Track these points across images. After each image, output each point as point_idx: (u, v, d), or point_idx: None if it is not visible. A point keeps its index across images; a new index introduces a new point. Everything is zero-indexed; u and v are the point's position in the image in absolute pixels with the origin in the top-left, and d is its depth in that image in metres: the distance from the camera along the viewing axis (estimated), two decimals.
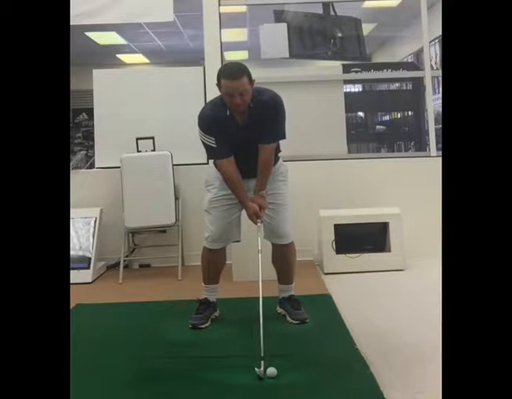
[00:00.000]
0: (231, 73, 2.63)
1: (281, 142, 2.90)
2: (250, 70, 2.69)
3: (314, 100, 4.69)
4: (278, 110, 2.75)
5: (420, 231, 4.15)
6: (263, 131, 2.73)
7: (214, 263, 2.97)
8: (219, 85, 2.68)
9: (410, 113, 6.25)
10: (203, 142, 2.78)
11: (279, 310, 3.02)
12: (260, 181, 2.79)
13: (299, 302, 2.97)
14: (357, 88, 6.72)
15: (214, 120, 2.74)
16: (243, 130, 2.74)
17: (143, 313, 3.20)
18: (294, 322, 2.89)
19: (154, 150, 4.29)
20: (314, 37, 5.01)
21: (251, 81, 2.66)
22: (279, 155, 2.94)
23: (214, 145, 2.74)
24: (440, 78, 5.12)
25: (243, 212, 2.86)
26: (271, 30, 4.87)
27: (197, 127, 2.78)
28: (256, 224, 2.77)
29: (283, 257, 2.97)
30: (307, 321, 2.87)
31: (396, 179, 4.39)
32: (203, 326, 2.87)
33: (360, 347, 2.50)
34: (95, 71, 4.72)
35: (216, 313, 3.00)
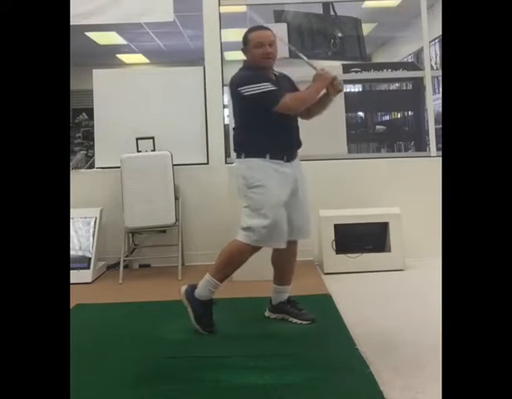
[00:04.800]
0: (261, 27, 2.81)
1: None
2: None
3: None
4: None
5: (420, 231, 4.16)
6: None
7: (244, 261, 2.78)
8: (245, 45, 2.75)
9: (410, 113, 6.26)
10: (252, 97, 2.63)
11: (273, 316, 2.93)
12: None
13: (297, 301, 2.93)
14: (357, 88, 6.73)
15: (259, 71, 2.72)
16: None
17: (143, 313, 3.20)
18: (305, 322, 2.83)
19: (154, 150, 4.29)
20: (314, 37, 5.01)
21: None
22: None
23: (272, 88, 2.64)
24: (440, 78, 5.12)
25: None
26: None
27: (240, 89, 2.66)
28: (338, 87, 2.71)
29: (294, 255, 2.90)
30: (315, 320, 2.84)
31: (396, 179, 4.39)
32: (214, 327, 2.76)
33: (360, 347, 2.49)
34: (95, 71, 4.71)
35: None
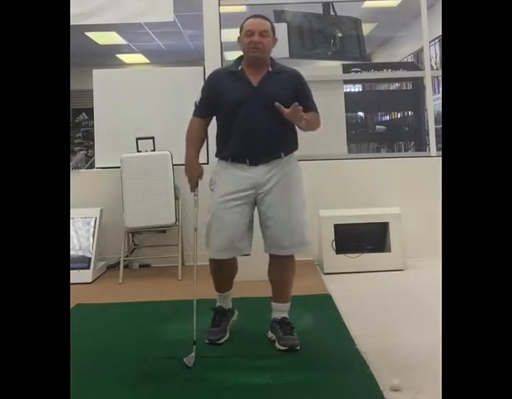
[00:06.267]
0: (257, 16, 2.60)
1: None
2: None
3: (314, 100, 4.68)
4: (305, 81, 2.68)
5: (420, 231, 4.16)
6: (303, 101, 2.54)
7: (223, 273, 2.67)
8: (240, 34, 2.58)
9: (410, 113, 6.26)
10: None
11: (270, 335, 2.63)
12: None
13: (292, 326, 2.58)
14: (357, 88, 6.73)
15: (217, 74, 2.67)
16: (255, 90, 2.53)
17: (143, 313, 3.20)
18: (282, 348, 2.49)
19: (154, 150, 4.29)
20: (314, 37, 5.01)
21: (274, 35, 2.59)
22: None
23: (198, 102, 2.65)
24: (440, 78, 5.12)
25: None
26: None
27: None
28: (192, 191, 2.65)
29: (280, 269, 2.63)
30: (298, 348, 2.49)
31: (396, 179, 4.39)
32: (221, 341, 2.60)
33: (360, 347, 2.50)
34: (95, 71, 4.71)
35: (234, 317, 2.75)
